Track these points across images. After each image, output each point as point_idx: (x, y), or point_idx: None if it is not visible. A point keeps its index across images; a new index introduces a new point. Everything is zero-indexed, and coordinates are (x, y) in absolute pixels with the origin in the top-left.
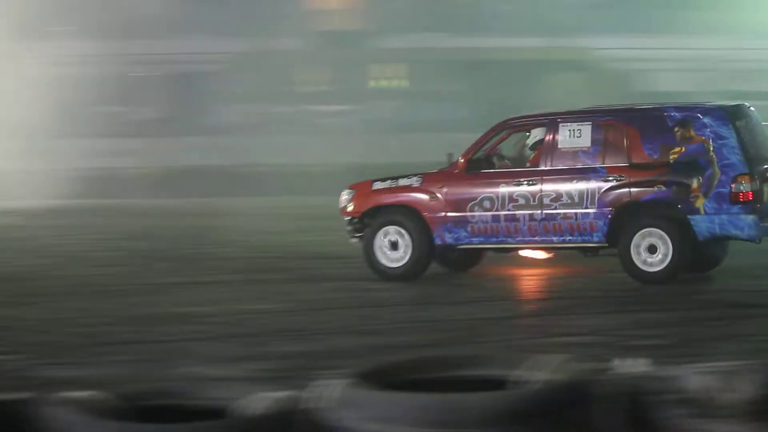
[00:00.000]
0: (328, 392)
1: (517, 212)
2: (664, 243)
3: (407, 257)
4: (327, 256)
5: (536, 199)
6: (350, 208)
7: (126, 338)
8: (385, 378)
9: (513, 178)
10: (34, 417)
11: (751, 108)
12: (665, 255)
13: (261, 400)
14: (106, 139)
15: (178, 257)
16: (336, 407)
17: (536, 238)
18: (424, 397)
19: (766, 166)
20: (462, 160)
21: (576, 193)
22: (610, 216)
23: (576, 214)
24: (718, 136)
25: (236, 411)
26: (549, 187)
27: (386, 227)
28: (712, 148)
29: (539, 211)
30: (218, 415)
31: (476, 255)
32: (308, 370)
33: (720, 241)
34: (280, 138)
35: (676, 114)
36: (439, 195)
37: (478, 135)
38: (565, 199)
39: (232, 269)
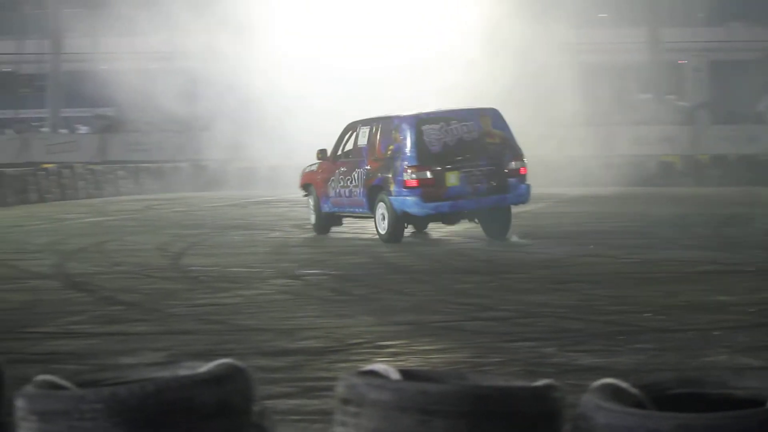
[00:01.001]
0: None
1: (340, 190)
2: (387, 215)
3: (314, 218)
4: None
5: (344, 181)
6: (299, 183)
7: (653, 326)
8: None
9: (340, 165)
10: (559, 403)
11: (480, 113)
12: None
13: None
14: (651, 127)
15: (705, 245)
16: None
17: (353, 209)
18: None
19: (460, 161)
20: (328, 152)
21: (356, 177)
22: (366, 195)
23: (357, 192)
24: (406, 137)
25: None
26: (348, 173)
27: (308, 197)
28: (401, 147)
29: (346, 189)
30: (757, 405)
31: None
32: None
33: (409, 215)
34: None
35: (396, 121)
36: (320, 177)
37: None
38: (352, 181)
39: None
